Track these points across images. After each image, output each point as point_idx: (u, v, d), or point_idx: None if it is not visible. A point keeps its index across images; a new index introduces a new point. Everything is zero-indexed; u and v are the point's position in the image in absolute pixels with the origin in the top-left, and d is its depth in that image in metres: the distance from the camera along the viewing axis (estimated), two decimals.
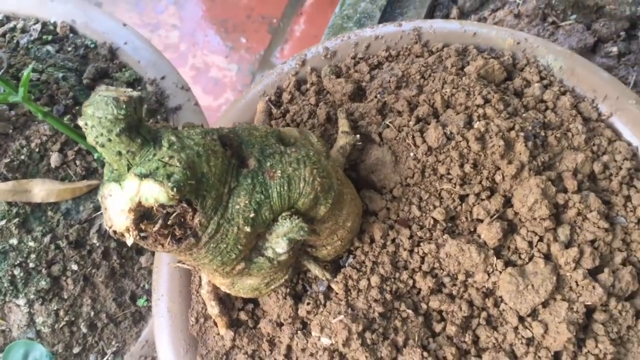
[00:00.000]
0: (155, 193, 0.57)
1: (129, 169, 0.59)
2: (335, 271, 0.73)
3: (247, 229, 0.63)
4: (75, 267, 1.04)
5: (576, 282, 0.70)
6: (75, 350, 1.06)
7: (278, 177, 0.63)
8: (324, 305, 0.71)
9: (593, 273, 0.71)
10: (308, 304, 0.72)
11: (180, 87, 1.19)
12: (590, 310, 0.71)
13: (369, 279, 0.71)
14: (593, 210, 0.73)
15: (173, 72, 1.20)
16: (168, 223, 0.60)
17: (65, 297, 1.05)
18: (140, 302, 1.09)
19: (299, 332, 0.73)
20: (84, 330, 1.06)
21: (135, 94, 0.58)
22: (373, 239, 0.73)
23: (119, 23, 1.22)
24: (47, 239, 1.03)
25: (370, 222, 0.74)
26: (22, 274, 1.01)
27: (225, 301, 0.77)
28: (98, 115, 0.56)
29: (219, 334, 0.77)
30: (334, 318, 0.70)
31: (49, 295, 1.03)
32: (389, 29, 0.86)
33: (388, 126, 0.77)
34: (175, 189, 0.57)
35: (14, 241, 1.02)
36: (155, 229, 0.60)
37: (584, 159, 0.75)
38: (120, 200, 0.58)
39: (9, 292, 1.01)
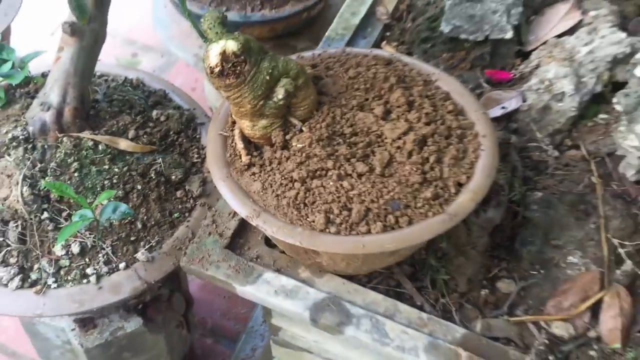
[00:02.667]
0: (232, 45, 1.35)
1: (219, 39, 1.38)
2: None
3: (267, 78, 1.39)
4: (139, 187, 1.72)
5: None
6: (132, 238, 1.68)
7: (282, 59, 1.42)
8: (298, 134, 1.45)
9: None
10: (290, 134, 1.45)
11: (204, 115, 1.98)
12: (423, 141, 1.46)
13: (321, 125, 1.46)
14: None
15: (199, 108, 2.00)
16: (234, 64, 1.36)
17: (130, 205, 1.70)
18: (175, 215, 1.75)
19: (284, 150, 1.44)
20: (139, 226, 1.69)
21: (223, 12, 1.40)
22: (322, 112, 1.49)
23: (169, 83, 2.05)
24: (125, 169, 1.72)
25: (321, 107, 1.51)
26: (108, 184, 1.69)
27: (246, 145, 1.49)
28: (211, 15, 1.37)
29: (242, 161, 1.47)
30: (303, 135, 1.43)
31: (122, 202, 1.69)
32: (332, 50, 1.72)
33: (330, 71, 1.58)
34: (241, 44, 1.35)
35: (106, 167, 1.70)
36: (228, 66, 1.36)
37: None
38: (216, 49, 1.35)
39: (98, 195, 1.67)
